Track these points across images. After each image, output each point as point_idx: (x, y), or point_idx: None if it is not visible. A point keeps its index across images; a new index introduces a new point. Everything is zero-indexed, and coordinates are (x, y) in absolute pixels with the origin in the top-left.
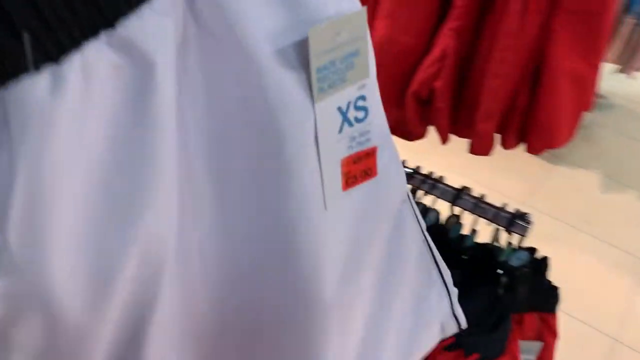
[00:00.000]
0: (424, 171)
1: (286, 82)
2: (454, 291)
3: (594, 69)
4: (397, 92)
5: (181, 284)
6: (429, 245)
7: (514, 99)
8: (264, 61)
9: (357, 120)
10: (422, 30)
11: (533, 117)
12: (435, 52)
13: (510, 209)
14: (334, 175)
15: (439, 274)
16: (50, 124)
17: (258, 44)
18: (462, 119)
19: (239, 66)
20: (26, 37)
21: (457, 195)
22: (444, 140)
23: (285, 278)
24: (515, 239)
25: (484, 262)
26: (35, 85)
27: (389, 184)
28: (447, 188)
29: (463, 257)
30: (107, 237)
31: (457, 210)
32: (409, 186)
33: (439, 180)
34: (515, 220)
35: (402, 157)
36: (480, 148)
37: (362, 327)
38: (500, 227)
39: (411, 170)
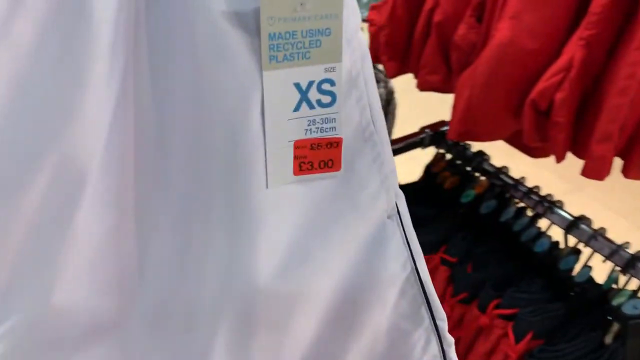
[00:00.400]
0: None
1: (238, 45)
2: (449, 340)
3: None
4: (515, 100)
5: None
6: (419, 276)
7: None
8: (218, 20)
9: (321, 104)
10: (549, 36)
11: None
12: (561, 61)
13: (632, 249)
14: (283, 154)
15: (429, 313)
16: None
17: (214, 3)
18: (580, 137)
19: (192, 23)
20: None
21: (574, 224)
22: (559, 158)
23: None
24: (634, 284)
25: (593, 303)
26: None
27: (366, 190)
28: (564, 214)
29: (571, 292)
30: (23, 143)
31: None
32: (523, 204)
33: (556, 203)
34: (636, 263)
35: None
36: (592, 171)
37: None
38: (617, 267)
39: (526, 189)
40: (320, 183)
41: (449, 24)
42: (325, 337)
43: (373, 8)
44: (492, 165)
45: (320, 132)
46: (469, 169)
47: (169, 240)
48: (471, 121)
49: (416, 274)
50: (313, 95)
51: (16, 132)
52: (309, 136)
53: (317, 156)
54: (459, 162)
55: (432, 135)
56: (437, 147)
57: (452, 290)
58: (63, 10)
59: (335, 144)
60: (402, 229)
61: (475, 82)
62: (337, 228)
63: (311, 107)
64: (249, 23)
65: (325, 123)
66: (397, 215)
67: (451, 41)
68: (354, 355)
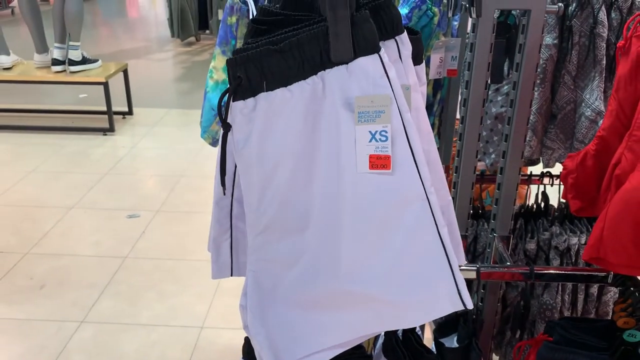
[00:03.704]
0: None
1: (348, 117)
2: (460, 278)
3: None
4: (637, 237)
5: None
6: (442, 241)
7: None
8: (341, 109)
9: (380, 140)
10: None
11: None
12: None
13: None
14: (365, 159)
15: (449, 266)
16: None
17: (341, 101)
18: None
19: (331, 110)
20: None
21: None
22: None
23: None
24: None
25: None
26: None
27: (403, 181)
28: None
29: None
30: None
31: None
32: None
33: None
34: None
35: None
36: None
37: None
38: None
39: None
40: (378, 174)
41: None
42: None
43: (569, 157)
44: None
45: (380, 150)
46: None
47: None
48: (603, 250)
49: (441, 240)
50: (377, 136)
51: None
52: (375, 152)
53: (379, 161)
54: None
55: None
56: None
57: None
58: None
59: (386, 158)
60: (432, 212)
61: (608, 218)
62: (386, 203)
63: (376, 140)
64: (352, 105)
65: (382, 148)
66: (430, 207)
67: None
68: None
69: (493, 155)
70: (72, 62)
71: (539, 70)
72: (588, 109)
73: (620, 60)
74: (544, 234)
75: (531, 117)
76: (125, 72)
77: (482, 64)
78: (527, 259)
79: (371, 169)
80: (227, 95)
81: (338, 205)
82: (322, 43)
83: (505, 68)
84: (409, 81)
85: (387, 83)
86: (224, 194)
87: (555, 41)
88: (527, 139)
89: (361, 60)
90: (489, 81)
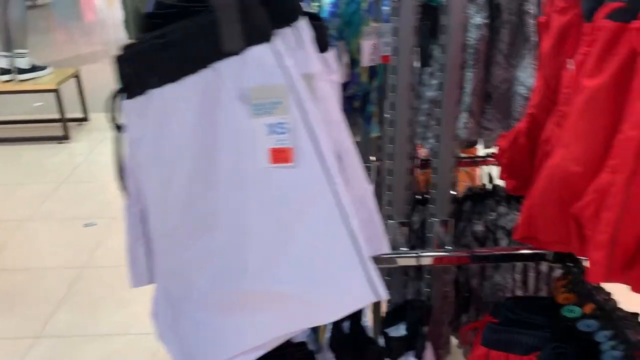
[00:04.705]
0: None
1: (245, 110)
2: (372, 269)
3: None
4: (565, 215)
5: None
6: (350, 234)
7: None
8: (237, 102)
9: (279, 132)
10: (592, 163)
11: None
12: (594, 184)
13: None
14: (265, 153)
15: (358, 259)
16: None
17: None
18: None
19: (227, 105)
20: None
21: None
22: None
23: None
24: None
25: None
26: None
27: (306, 174)
28: None
29: None
30: None
31: None
32: None
33: None
34: None
35: None
36: (590, 275)
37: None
38: None
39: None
40: (280, 168)
41: None
42: None
43: (502, 136)
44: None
45: (280, 143)
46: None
47: None
48: (533, 228)
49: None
50: (274, 128)
51: None
52: (274, 146)
53: (280, 155)
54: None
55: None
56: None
57: None
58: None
59: (287, 151)
60: (338, 203)
61: (534, 196)
62: (291, 195)
63: (275, 133)
64: (248, 97)
65: (281, 141)
66: (334, 197)
67: None
68: None
69: (432, 140)
70: (21, 71)
71: (471, 50)
72: (522, 87)
73: (543, 37)
74: (490, 214)
75: (467, 99)
76: (77, 77)
77: (406, 48)
78: (476, 241)
79: (273, 163)
80: (118, 94)
81: (243, 203)
82: (211, 34)
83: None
84: (312, 69)
85: (282, 73)
86: (129, 199)
87: (485, 20)
88: (464, 120)
89: (254, 50)
90: (419, 65)
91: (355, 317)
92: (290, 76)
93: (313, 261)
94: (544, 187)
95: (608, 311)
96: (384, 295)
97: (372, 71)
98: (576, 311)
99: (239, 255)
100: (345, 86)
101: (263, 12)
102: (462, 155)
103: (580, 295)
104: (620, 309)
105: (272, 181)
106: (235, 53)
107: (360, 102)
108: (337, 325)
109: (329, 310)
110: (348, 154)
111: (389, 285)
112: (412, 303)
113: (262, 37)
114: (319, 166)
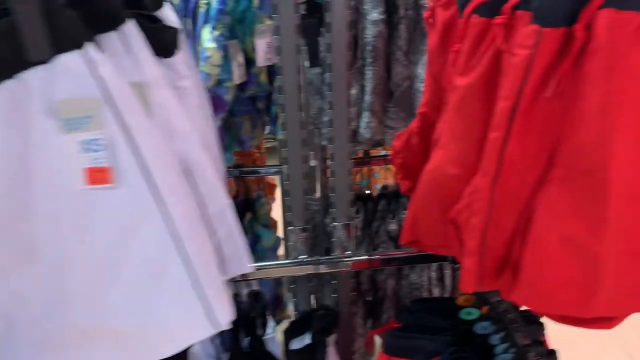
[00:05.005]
0: None
1: (55, 125)
2: (214, 297)
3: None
4: (445, 218)
5: None
6: (185, 259)
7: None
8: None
9: (94, 150)
10: (468, 164)
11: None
12: (468, 188)
13: None
14: (79, 174)
15: (194, 288)
16: None
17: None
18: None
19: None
20: None
21: None
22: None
23: None
24: None
25: None
26: None
27: (130, 195)
28: None
29: None
30: None
31: None
32: None
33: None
34: None
35: None
36: (461, 282)
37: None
38: None
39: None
40: (100, 189)
41: None
42: None
43: (397, 136)
44: None
45: (95, 162)
46: None
47: None
48: (417, 232)
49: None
50: (88, 146)
51: None
52: (90, 165)
53: (96, 175)
54: None
55: None
56: None
57: None
58: None
59: (105, 171)
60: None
61: (416, 199)
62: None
63: (89, 151)
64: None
65: (97, 160)
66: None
67: None
68: None
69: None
70: None
71: (369, 48)
72: (421, 84)
73: (429, 32)
74: (403, 213)
75: (368, 98)
76: None
77: (290, 48)
78: (390, 240)
79: (89, 184)
80: None
81: (61, 230)
82: (12, 40)
83: None
84: (145, 77)
85: (95, 83)
86: None
87: (382, 16)
88: (367, 120)
89: (63, 58)
90: (308, 65)
91: (254, 332)
92: (107, 87)
93: (143, 292)
94: (424, 191)
95: (500, 313)
96: (224, 325)
97: (271, 71)
98: (474, 313)
99: (63, 289)
100: (243, 86)
101: (72, 16)
102: (359, 156)
103: (478, 296)
104: (511, 311)
105: (90, 204)
106: (43, 62)
107: (264, 102)
108: (235, 340)
109: (166, 345)
110: (200, 167)
111: (294, 293)
112: (316, 311)
113: (72, 43)
114: (145, 186)
